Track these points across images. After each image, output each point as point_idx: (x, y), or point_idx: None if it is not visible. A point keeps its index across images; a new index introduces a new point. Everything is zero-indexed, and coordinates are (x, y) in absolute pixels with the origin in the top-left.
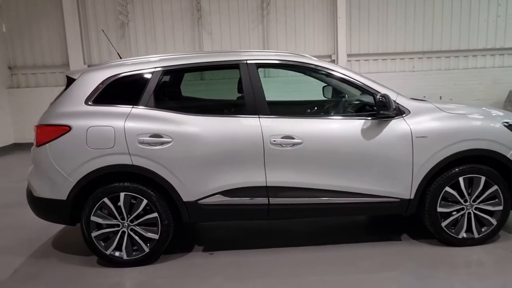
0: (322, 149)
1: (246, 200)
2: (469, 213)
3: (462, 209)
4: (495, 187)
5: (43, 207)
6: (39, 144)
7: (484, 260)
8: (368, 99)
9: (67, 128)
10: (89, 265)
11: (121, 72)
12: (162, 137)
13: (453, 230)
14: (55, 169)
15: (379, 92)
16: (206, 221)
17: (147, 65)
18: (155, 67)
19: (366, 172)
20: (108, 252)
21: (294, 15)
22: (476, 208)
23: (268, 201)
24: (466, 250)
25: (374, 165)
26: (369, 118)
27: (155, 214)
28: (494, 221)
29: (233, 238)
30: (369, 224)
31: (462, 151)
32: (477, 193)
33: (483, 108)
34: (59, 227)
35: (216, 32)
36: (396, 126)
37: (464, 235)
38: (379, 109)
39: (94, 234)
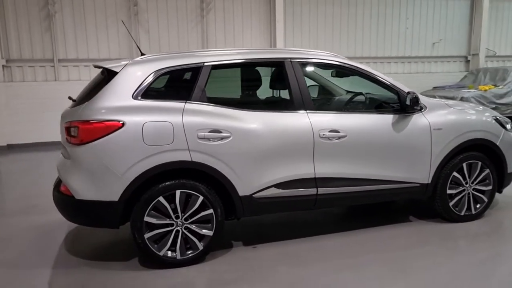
0: (363, 141)
1: (297, 191)
2: (468, 193)
3: (464, 190)
4: (487, 170)
5: (88, 210)
6: (84, 142)
7: (487, 231)
8: (388, 96)
9: (119, 124)
10: (136, 268)
11: (169, 65)
12: (221, 132)
13: (457, 209)
14: (107, 168)
15: (404, 91)
16: (257, 215)
17: (195, 59)
18: (204, 62)
19: (396, 161)
20: (161, 253)
21: (232, 17)
22: (473, 189)
23: (317, 191)
24: (468, 224)
25: (402, 154)
26: (397, 113)
27: (211, 211)
28: (485, 199)
29: (262, 231)
30: (369, 210)
31: (467, 140)
32: (475, 176)
33: (472, 104)
34: (62, 231)
35: (154, 30)
36: (418, 120)
37: (465, 212)
38: (412, 105)
39: (147, 235)
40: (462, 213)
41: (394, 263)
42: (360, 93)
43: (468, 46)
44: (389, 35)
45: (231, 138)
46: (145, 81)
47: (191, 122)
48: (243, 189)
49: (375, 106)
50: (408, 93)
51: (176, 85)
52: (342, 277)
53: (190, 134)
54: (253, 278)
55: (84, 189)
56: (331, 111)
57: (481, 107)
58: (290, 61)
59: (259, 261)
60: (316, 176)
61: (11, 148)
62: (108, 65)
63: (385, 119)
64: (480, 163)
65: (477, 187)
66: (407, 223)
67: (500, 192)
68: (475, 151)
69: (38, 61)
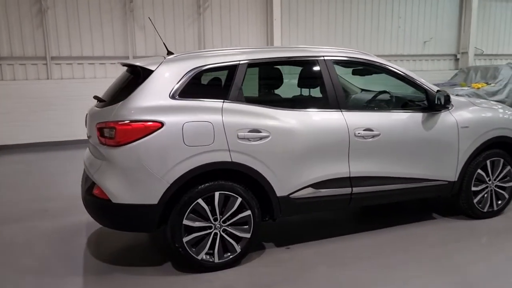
0: (395, 140)
1: (332, 191)
2: (491, 190)
3: (487, 187)
4: (508, 167)
5: (126, 214)
6: (121, 144)
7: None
8: (412, 93)
9: (158, 125)
10: (172, 273)
11: (206, 64)
12: (260, 132)
13: (480, 205)
14: (146, 170)
15: (433, 89)
16: (294, 215)
17: (231, 57)
18: (239, 60)
19: (426, 159)
20: (200, 257)
21: (229, 15)
22: (496, 186)
23: (352, 190)
24: (491, 220)
25: (432, 152)
26: (426, 111)
27: (248, 212)
28: (507, 195)
29: (291, 232)
30: (390, 209)
31: (492, 138)
32: (497, 173)
33: (491, 102)
34: (82, 235)
35: (150, 27)
36: (446, 118)
37: (488, 208)
38: (445, 104)
39: (185, 239)
40: (485, 210)
41: (432, 260)
42: (385, 91)
43: (457, 44)
44: (382, 33)
45: (270, 137)
46: (181, 80)
47: (231, 121)
48: (280, 190)
49: (401, 104)
50: (438, 91)
51: (212, 84)
52: (385, 276)
53: (230, 134)
54: (294, 280)
55: (122, 193)
56: (363, 109)
57: (499, 105)
58: (324, 59)
59: (296, 263)
60: (351, 175)
61: (3, 149)
62: (141, 63)
63: (414, 117)
64: (502, 160)
65: (499, 183)
66: (432, 221)
67: None
68: (497, 149)
69: (30, 58)
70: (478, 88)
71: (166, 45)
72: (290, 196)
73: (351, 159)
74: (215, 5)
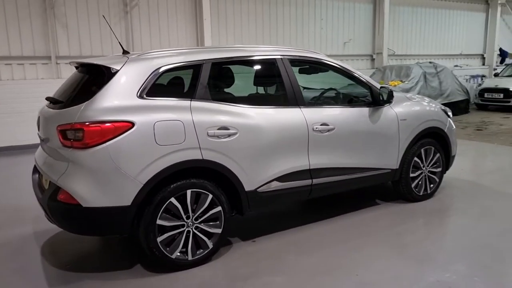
0: (347, 133)
1: (295, 183)
2: (425, 176)
3: (422, 173)
4: (438, 154)
5: (98, 218)
6: (90, 145)
7: (443, 207)
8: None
9: (129, 125)
10: (145, 275)
11: (171, 62)
12: (229, 129)
13: (416, 190)
14: (119, 171)
15: (377, 86)
16: (261, 209)
17: (196, 56)
18: (204, 59)
19: (374, 150)
20: (174, 256)
21: (157, 13)
22: (428, 171)
23: (312, 182)
24: (426, 202)
25: (378, 144)
26: (371, 106)
27: (219, 208)
28: (437, 179)
29: (252, 226)
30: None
31: (425, 128)
32: (429, 160)
33: (420, 97)
34: (34, 245)
35: (73, 25)
36: (388, 112)
37: (423, 192)
38: (389, 99)
39: (160, 239)
40: (421, 193)
41: (387, 242)
42: (331, 89)
43: (373, 45)
44: (307, 33)
45: (238, 134)
46: (148, 79)
47: (201, 120)
48: (248, 184)
49: (347, 100)
50: (382, 87)
51: (179, 83)
52: (351, 259)
53: (201, 132)
54: (268, 269)
55: (92, 196)
56: (317, 106)
57: (427, 99)
58: (281, 58)
59: (265, 253)
60: (311, 168)
61: None
62: (103, 62)
63: (362, 112)
64: (433, 148)
65: (431, 169)
66: (376, 206)
67: (444, 172)
68: (429, 138)
69: None
70: (395, 85)
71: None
72: (258, 190)
73: (310, 152)
74: (142, 3)
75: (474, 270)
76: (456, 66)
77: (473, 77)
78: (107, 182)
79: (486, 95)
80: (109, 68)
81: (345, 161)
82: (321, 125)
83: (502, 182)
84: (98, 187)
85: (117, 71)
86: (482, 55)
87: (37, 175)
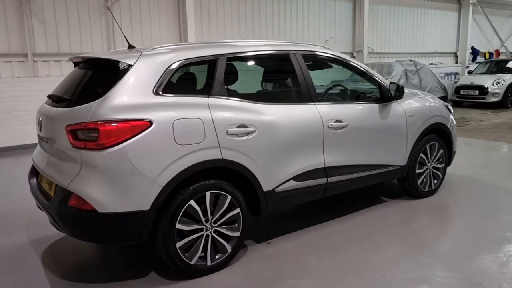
0: (361, 130)
1: (311, 182)
2: (429, 171)
3: (427, 169)
4: (441, 150)
5: (114, 225)
6: (106, 146)
7: (451, 201)
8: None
9: (147, 123)
10: (163, 283)
11: (186, 57)
12: (247, 127)
13: (422, 186)
14: (137, 173)
15: (383, 82)
16: (277, 209)
17: (210, 50)
18: (219, 54)
19: (385, 146)
20: (193, 262)
21: (139, 10)
22: (433, 167)
23: (327, 180)
24: (431, 198)
25: (389, 140)
26: (380, 102)
27: (238, 210)
28: (441, 175)
29: (263, 227)
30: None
31: (431, 124)
32: (434, 156)
33: (425, 92)
34: (32, 254)
35: (50, 21)
36: (396, 108)
37: (428, 188)
38: (400, 95)
39: (179, 244)
40: (426, 189)
41: (406, 238)
42: (338, 85)
43: (353, 43)
44: (289, 31)
45: (256, 132)
46: (163, 75)
47: (220, 117)
48: (267, 184)
49: (355, 96)
50: (391, 83)
51: (194, 78)
52: (373, 258)
53: (220, 130)
54: (291, 272)
55: (109, 201)
56: (330, 102)
57: (430, 95)
58: (294, 53)
59: (284, 255)
60: (326, 166)
61: None
62: (115, 57)
63: (373, 108)
64: (437, 144)
65: (435, 165)
66: (384, 204)
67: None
68: (433, 134)
69: None
70: None
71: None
72: (275, 190)
73: (325, 150)
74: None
75: (499, 263)
76: (432, 64)
77: (447, 74)
78: (124, 186)
79: (462, 92)
80: (122, 63)
81: (358, 159)
82: (335, 122)
83: (498, 176)
84: (115, 191)
85: (131, 66)
86: (455, 53)
87: (35, 179)
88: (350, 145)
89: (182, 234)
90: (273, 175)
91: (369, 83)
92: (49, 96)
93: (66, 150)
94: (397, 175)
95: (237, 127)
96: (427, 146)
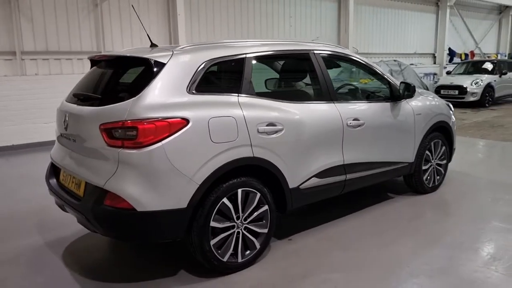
0: (375, 128)
1: (331, 179)
2: (433, 168)
3: (431, 165)
4: (444, 147)
5: (153, 223)
6: (145, 144)
7: (451, 197)
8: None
9: (184, 122)
10: (194, 281)
11: (217, 56)
12: (276, 125)
13: (426, 182)
14: (175, 171)
15: (394, 81)
16: (301, 205)
17: (238, 50)
18: (246, 52)
19: (396, 144)
20: (225, 259)
21: (129, 8)
22: (436, 164)
23: (346, 177)
24: (435, 194)
25: (399, 138)
26: (391, 101)
27: (266, 207)
28: (443, 171)
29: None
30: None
31: (435, 122)
32: (437, 152)
33: (428, 91)
34: (52, 254)
35: (39, 19)
36: (405, 107)
37: (432, 184)
38: (412, 93)
39: (213, 242)
40: (430, 185)
41: (420, 232)
42: (347, 84)
43: (338, 43)
44: (277, 30)
45: (284, 130)
46: (196, 73)
47: (251, 116)
48: (292, 181)
49: (366, 95)
50: (402, 82)
51: (224, 77)
52: (395, 251)
53: (252, 128)
54: (320, 267)
55: (148, 199)
56: (347, 101)
57: (432, 94)
58: (314, 53)
59: (308, 251)
60: (345, 163)
61: None
62: (146, 55)
63: (385, 107)
64: (440, 141)
65: (439, 161)
66: (392, 199)
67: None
68: (437, 132)
69: None
70: (365, 83)
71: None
72: (300, 187)
73: (344, 147)
74: None
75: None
76: (412, 64)
77: (426, 74)
78: (162, 184)
79: (442, 91)
80: (156, 61)
81: (373, 156)
82: (353, 120)
83: (491, 171)
84: (153, 190)
85: (164, 65)
86: (434, 54)
87: (54, 179)
88: (366, 143)
89: (215, 232)
90: (298, 173)
91: (375, 82)
92: (74, 95)
93: (99, 149)
94: (405, 171)
95: (267, 125)
96: (432, 144)
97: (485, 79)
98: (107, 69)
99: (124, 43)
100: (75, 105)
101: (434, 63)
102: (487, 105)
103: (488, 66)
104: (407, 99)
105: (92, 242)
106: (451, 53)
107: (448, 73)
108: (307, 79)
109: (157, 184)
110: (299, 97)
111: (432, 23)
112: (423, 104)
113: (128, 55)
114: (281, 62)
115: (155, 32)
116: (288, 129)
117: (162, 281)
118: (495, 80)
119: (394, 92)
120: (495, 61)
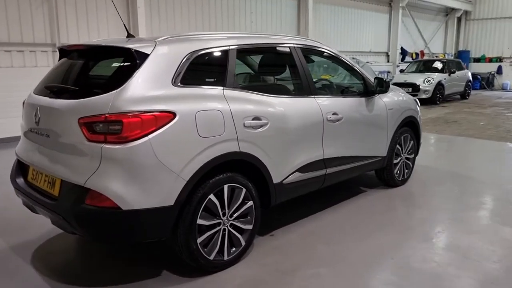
0: (352, 122)
1: (313, 173)
2: (403, 161)
3: (401, 159)
4: (412, 142)
5: (139, 222)
6: (130, 139)
7: (420, 189)
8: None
9: (170, 115)
10: (179, 281)
11: (202, 47)
12: (261, 119)
13: (397, 175)
14: (162, 168)
15: (368, 77)
16: (283, 201)
17: (221, 41)
18: (230, 45)
19: (371, 138)
20: (212, 258)
21: (85, 0)
22: (405, 158)
23: (326, 171)
24: (404, 187)
25: (374, 132)
26: (366, 96)
27: (251, 203)
28: (411, 165)
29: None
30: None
31: (406, 117)
32: (406, 147)
33: (397, 87)
34: (17, 258)
35: None
36: (378, 102)
37: (402, 177)
38: (386, 88)
39: (199, 240)
40: (400, 179)
41: (397, 224)
42: (322, 79)
43: None
44: (238, 26)
45: (268, 125)
46: (181, 65)
47: (237, 109)
48: (276, 176)
49: (340, 90)
50: (377, 77)
51: (208, 69)
52: (377, 244)
53: (238, 122)
54: (307, 262)
55: (134, 197)
56: (325, 95)
57: (401, 89)
58: (294, 47)
59: (292, 246)
60: (325, 157)
61: None
62: (128, 45)
63: (360, 102)
64: (409, 135)
65: (407, 155)
66: (365, 193)
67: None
68: (406, 126)
69: None
70: (328, 79)
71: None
72: (283, 182)
73: (324, 142)
74: None
75: (483, 239)
76: (368, 62)
77: (380, 72)
78: (149, 181)
79: None
80: (140, 52)
81: (350, 150)
82: (332, 114)
83: (452, 164)
84: (139, 187)
85: (148, 55)
86: (387, 53)
87: (22, 178)
88: (344, 137)
89: (201, 230)
90: (282, 167)
91: (340, 77)
92: (48, 87)
93: (78, 145)
94: (379, 165)
95: (252, 119)
96: (402, 138)
97: (436, 77)
98: (81, 59)
99: (81, 35)
100: (47, 98)
101: (388, 61)
102: (438, 102)
103: (438, 65)
104: (379, 94)
105: (62, 245)
106: (403, 52)
107: (402, 71)
108: (289, 73)
109: (143, 181)
110: (283, 91)
111: (385, 22)
112: (394, 99)
113: (108, 44)
114: (265, 55)
115: (114, 25)
116: (273, 123)
117: (147, 283)
118: (445, 79)
119: (369, 87)
120: (445, 60)
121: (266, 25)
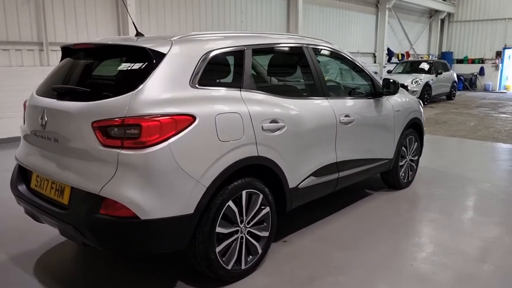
0: (363, 124)
1: (326, 177)
2: (407, 164)
3: (406, 161)
4: (416, 143)
5: (158, 232)
6: (149, 144)
7: (425, 191)
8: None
9: (190, 119)
10: None
11: (218, 47)
12: (278, 122)
13: (402, 177)
14: (181, 174)
15: (375, 78)
16: (298, 206)
17: (238, 40)
18: (245, 45)
19: (380, 140)
20: (230, 267)
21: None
22: (410, 160)
23: (338, 175)
24: (409, 189)
25: (383, 134)
26: (374, 97)
27: (268, 209)
28: (415, 167)
29: None
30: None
31: (411, 119)
32: (411, 149)
33: (402, 89)
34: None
35: None
36: (386, 103)
37: (406, 179)
38: (396, 90)
39: (218, 249)
40: (405, 181)
41: (408, 228)
42: (331, 80)
43: None
44: (228, 25)
45: (285, 128)
46: (198, 65)
47: (255, 112)
48: (292, 181)
49: (348, 91)
50: (385, 79)
51: (225, 70)
52: (393, 249)
53: (257, 125)
54: (324, 269)
55: (153, 205)
56: (337, 97)
57: (405, 91)
58: (306, 47)
59: (307, 253)
60: (337, 161)
61: None
62: (144, 45)
63: (370, 103)
64: (413, 137)
65: (411, 157)
66: (371, 196)
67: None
68: (410, 128)
69: None
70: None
71: None
72: (298, 186)
73: (337, 145)
74: None
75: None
76: None
77: None
78: (169, 188)
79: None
80: (156, 51)
81: (360, 153)
82: (345, 116)
83: (452, 166)
84: (158, 195)
85: (165, 55)
86: (374, 53)
87: (24, 185)
88: (355, 140)
89: (219, 238)
90: (298, 171)
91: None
92: (55, 88)
93: (91, 150)
94: (386, 168)
95: (270, 122)
96: (407, 140)
97: (424, 78)
98: (88, 59)
99: (68, 34)
100: (54, 100)
101: (375, 62)
102: (425, 103)
103: (425, 66)
104: (387, 96)
105: (66, 255)
106: (390, 53)
107: (389, 72)
108: (303, 74)
109: (163, 188)
110: (297, 92)
111: (372, 24)
112: (400, 100)
113: (121, 43)
114: (279, 55)
115: (103, 24)
116: (289, 126)
117: None
118: (432, 80)
119: (377, 88)
120: (431, 61)
121: (256, 25)
